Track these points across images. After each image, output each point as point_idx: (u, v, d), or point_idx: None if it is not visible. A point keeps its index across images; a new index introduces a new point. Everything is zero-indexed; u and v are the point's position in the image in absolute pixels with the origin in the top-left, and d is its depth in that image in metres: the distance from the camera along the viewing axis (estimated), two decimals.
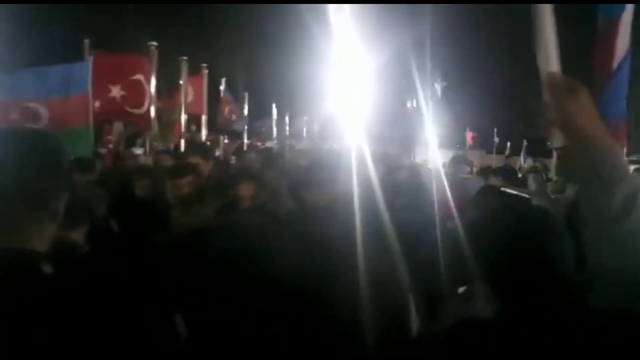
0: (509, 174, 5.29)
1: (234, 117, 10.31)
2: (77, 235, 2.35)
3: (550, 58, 1.43)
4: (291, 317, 1.29)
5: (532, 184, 5.64)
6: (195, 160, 4.28)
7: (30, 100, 5.12)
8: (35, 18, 10.06)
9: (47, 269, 1.07)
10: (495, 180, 5.36)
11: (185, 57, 7.73)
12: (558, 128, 1.33)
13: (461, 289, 1.93)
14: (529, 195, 4.66)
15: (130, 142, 12.79)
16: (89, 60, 5.80)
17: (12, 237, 1.08)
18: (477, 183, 4.61)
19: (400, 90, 10.02)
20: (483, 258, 1.31)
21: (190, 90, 8.35)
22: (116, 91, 6.18)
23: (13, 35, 8.95)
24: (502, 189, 4.32)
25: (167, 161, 5.05)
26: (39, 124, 5.06)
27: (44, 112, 5.10)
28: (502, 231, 1.29)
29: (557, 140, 1.35)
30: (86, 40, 6.06)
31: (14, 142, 1.13)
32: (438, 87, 6.91)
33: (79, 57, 5.98)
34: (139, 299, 1.18)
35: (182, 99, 7.62)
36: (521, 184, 5.34)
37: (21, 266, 1.05)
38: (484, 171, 5.73)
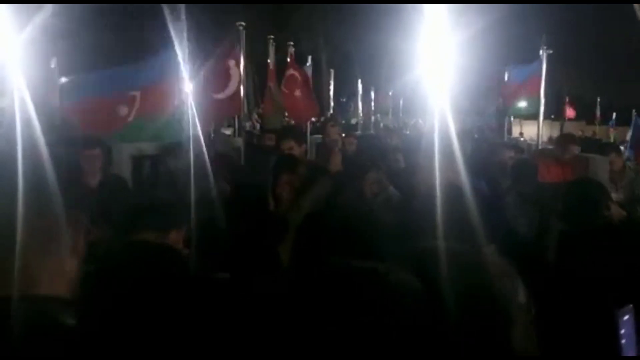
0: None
1: None
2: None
3: None
4: None
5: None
6: (288, 144, 4.14)
7: (132, 90, 5.15)
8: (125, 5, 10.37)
9: None
10: (617, 159, 4.78)
11: (272, 36, 7.60)
12: None
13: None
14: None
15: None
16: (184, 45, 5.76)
17: None
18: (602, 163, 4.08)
19: (496, 61, 9.34)
20: None
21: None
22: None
23: (107, 25, 9.25)
24: None
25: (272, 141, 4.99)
26: (134, 112, 5.11)
27: (139, 100, 5.13)
28: None
29: None
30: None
31: None
32: (543, 54, 6.21)
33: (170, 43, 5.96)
34: None
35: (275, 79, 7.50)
36: None
37: None
38: (607, 147, 5.09)
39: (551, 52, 6.51)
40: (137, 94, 5.10)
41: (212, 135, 8.65)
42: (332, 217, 2.20)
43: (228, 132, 11.07)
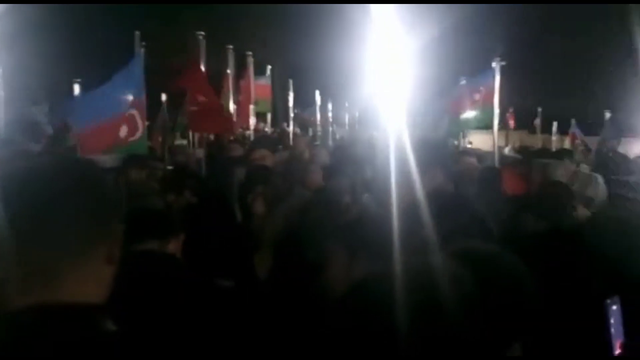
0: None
1: None
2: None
3: None
4: None
5: None
6: (260, 154, 4.15)
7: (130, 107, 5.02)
8: (84, 13, 10.10)
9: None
10: (570, 164, 5.05)
11: (231, 46, 7.59)
12: None
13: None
14: None
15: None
16: (141, 53, 5.70)
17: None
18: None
19: (448, 73, 9.67)
20: None
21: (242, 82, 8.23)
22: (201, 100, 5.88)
23: (64, 33, 8.96)
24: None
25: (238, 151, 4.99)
26: (138, 133, 5.00)
27: (138, 117, 5.02)
28: None
29: None
30: (137, 33, 5.93)
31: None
32: (497, 66, 6.51)
33: (127, 50, 5.89)
34: None
35: (230, 89, 7.48)
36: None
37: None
38: (560, 153, 5.41)
39: (504, 63, 6.80)
40: (134, 111, 4.97)
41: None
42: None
43: (184, 142, 10.91)
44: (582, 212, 2.85)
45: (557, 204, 2.50)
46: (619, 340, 1.60)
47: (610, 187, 3.48)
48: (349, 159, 4.57)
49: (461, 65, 9.79)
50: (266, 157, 4.11)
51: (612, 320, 1.60)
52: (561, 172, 4.10)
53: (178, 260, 1.66)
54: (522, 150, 12.15)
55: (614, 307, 1.61)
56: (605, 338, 1.60)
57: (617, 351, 1.59)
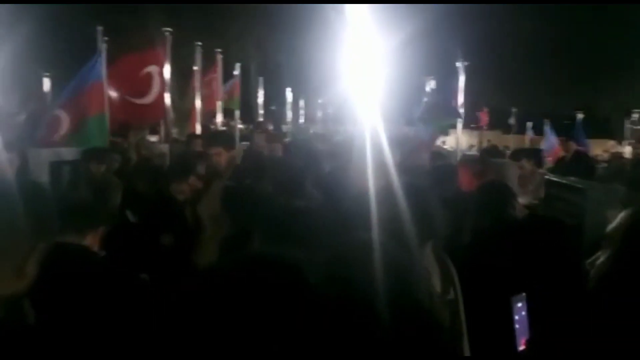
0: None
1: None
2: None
3: None
4: None
5: None
6: (216, 149, 4.14)
7: (58, 108, 5.15)
8: (53, 8, 9.94)
9: None
10: (527, 164, 5.14)
11: (199, 43, 7.53)
12: None
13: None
14: None
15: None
16: (103, 48, 5.64)
17: None
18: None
19: (419, 72, 9.75)
20: None
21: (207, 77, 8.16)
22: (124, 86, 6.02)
23: (26, 25, 8.81)
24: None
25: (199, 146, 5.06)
26: (61, 131, 5.03)
27: (64, 116, 5.08)
28: None
29: None
30: (99, 28, 5.88)
31: None
32: (460, 66, 6.59)
33: (94, 45, 5.83)
34: None
35: (197, 86, 7.43)
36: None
37: None
38: (517, 154, 5.52)
39: (467, 64, 6.87)
40: (61, 110, 5.09)
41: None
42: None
43: (153, 139, 10.82)
44: (522, 210, 2.91)
45: (493, 203, 2.55)
46: (524, 337, 1.65)
47: (552, 189, 3.55)
48: (308, 153, 4.60)
49: (430, 65, 9.88)
50: (222, 153, 4.10)
51: (516, 317, 1.64)
52: (513, 172, 4.16)
53: (93, 254, 1.66)
54: (489, 149, 12.35)
55: (519, 304, 1.65)
56: (510, 335, 1.64)
57: (521, 347, 1.63)
